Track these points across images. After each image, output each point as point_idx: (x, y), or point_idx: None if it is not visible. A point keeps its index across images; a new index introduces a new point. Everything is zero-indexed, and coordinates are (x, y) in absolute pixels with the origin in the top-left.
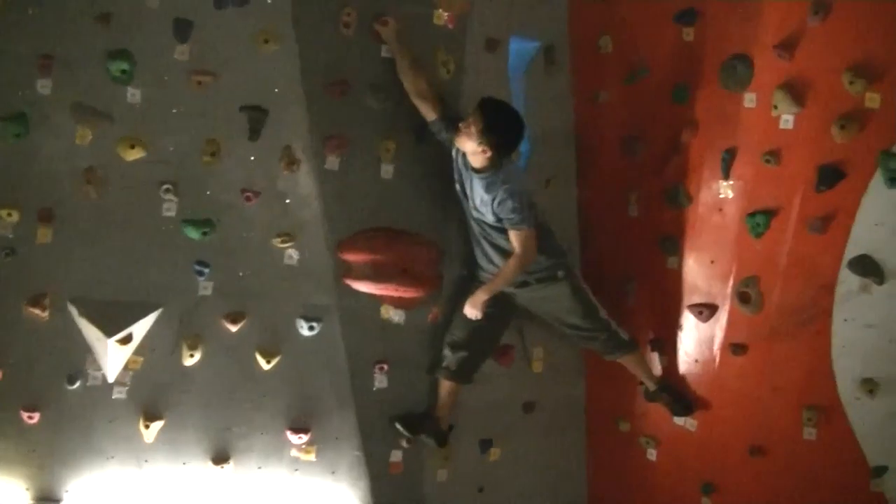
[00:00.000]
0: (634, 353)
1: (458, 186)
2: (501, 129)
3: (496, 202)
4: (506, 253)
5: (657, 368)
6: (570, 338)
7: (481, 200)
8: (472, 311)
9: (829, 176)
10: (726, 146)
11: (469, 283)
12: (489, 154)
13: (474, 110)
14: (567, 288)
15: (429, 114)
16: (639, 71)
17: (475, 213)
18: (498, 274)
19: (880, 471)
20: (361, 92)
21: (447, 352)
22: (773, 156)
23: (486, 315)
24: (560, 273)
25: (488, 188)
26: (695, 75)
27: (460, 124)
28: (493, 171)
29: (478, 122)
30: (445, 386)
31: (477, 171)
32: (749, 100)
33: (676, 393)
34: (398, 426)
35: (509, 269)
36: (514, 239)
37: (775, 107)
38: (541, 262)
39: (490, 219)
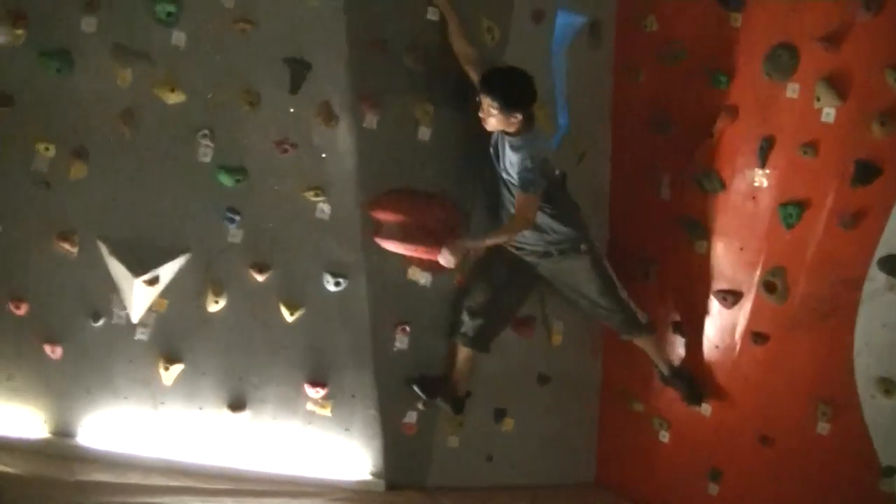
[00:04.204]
0: (650, 336)
1: (492, 150)
2: (517, 93)
3: (520, 161)
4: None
5: (675, 354)
6: (587, 313)
7: (510, 162)
8: (446, 258)
9: (866, 172)
10: (764, 134)
11: (491, 250)
12: (520, 118)
13: (483, 95)
14: (588, 262)
15: (477, 79)
16: (681, 53)
17: (504, 175)
18: (489, 231)
19: (890, 471)
20: (404, 53)
21: (465, 318)
22: (811, 148)
23: (506, 284)
24: (583, 247)
25: (516, 149)
26: (738, 61)
27: (480, 113)
28: (524, 135)
29: (494, 102)
30: (463, 352)
31: (509, 134)
32: (791, 90)
33: (689, 381)
34: (415, 388)
35: (502, 229)
36: (517, 200)
37: (818, 99)
38: (565, 234)
39: (517, 181)
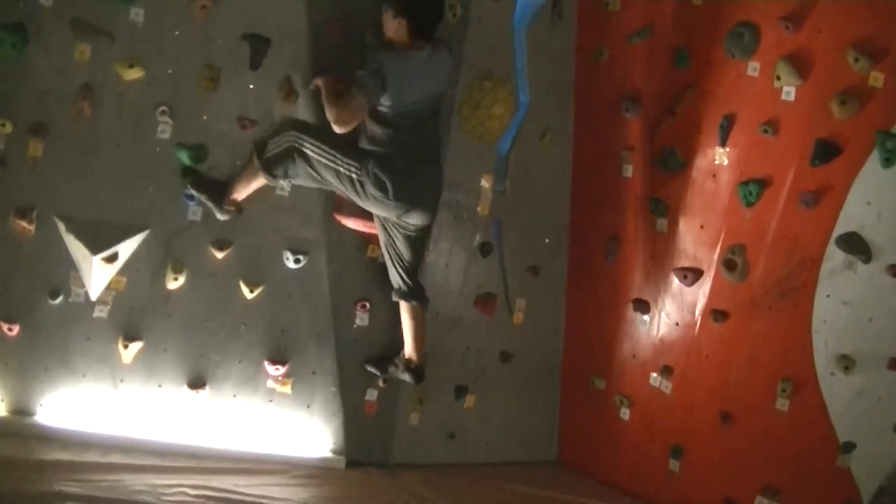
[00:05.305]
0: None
1: None
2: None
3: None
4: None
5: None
6: None
7: None
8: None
9: (825, 151)
10: (725, 113)
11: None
12: (406, 26)
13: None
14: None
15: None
16: (643, 31)
17: None
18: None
19: (848, 447)
20: (363, 29)
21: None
22: (772, 126)
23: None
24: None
25: (374, 50)
26: (700, 40)
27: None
28: (395, 49)
29: (390, 6)
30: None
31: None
32: (752, 68)
33: (417, 373)
34: (370, 368)
35: (334, 99)
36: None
37: (778, 77)
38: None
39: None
